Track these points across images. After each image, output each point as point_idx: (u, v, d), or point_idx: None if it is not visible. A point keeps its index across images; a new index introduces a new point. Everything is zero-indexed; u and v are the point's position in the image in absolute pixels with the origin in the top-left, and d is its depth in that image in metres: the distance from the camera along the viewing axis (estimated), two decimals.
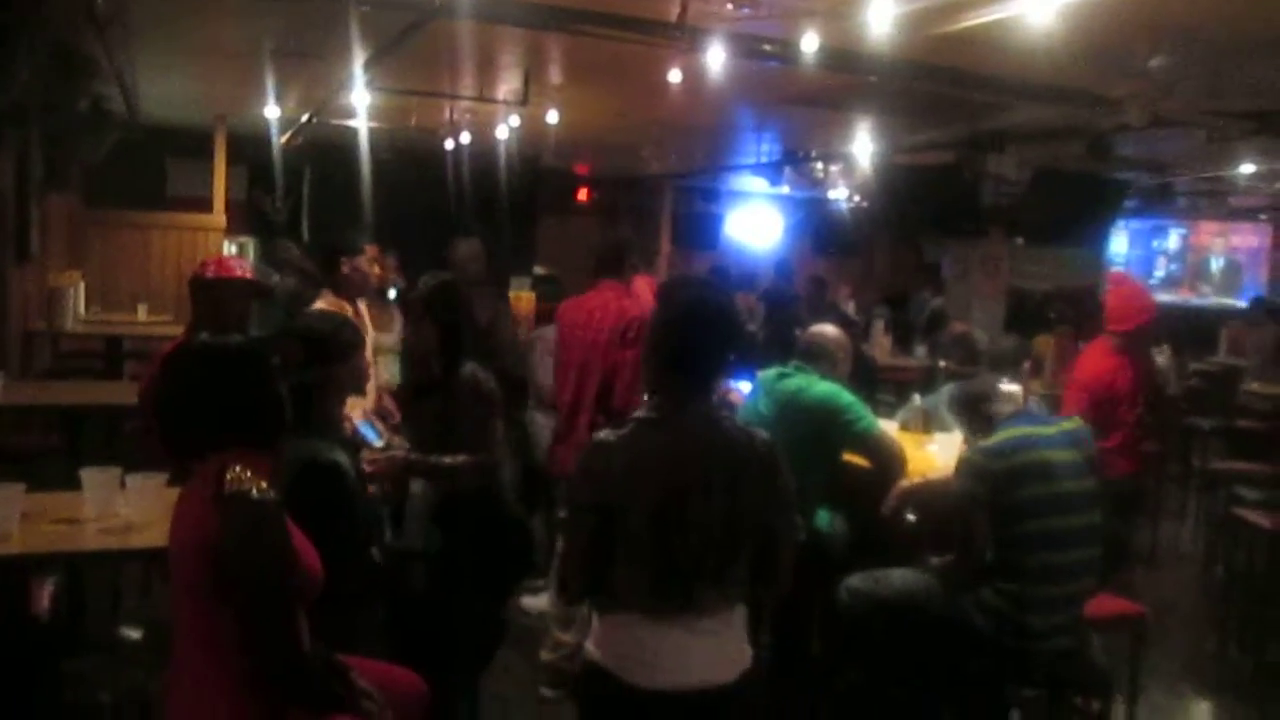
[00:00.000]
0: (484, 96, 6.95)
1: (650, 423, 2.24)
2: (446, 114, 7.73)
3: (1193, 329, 10.83)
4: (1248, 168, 8.29)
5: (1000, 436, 3.25)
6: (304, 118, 8.11)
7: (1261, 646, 4.94)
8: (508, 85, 6.69)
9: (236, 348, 2.28)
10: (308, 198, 11.16)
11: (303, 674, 2.12)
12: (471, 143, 8.39)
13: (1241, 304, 12.46)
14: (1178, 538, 7.09)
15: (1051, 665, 3.24)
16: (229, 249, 9.54)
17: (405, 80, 6.51)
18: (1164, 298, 12.91)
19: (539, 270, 11.31)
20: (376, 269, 5.41)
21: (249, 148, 9.88)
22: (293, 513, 2.68)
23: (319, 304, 4.41)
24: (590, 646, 2.30)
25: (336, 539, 2.73)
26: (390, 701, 2.33)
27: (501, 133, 7.76)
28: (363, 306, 4.70)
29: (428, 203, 10.41)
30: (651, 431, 2.23)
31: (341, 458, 2.86)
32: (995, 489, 3.17)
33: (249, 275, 3.98)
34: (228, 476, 2.05)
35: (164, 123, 9.35)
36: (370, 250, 5.24)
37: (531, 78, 6.40)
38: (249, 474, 2.07)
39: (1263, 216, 12.77)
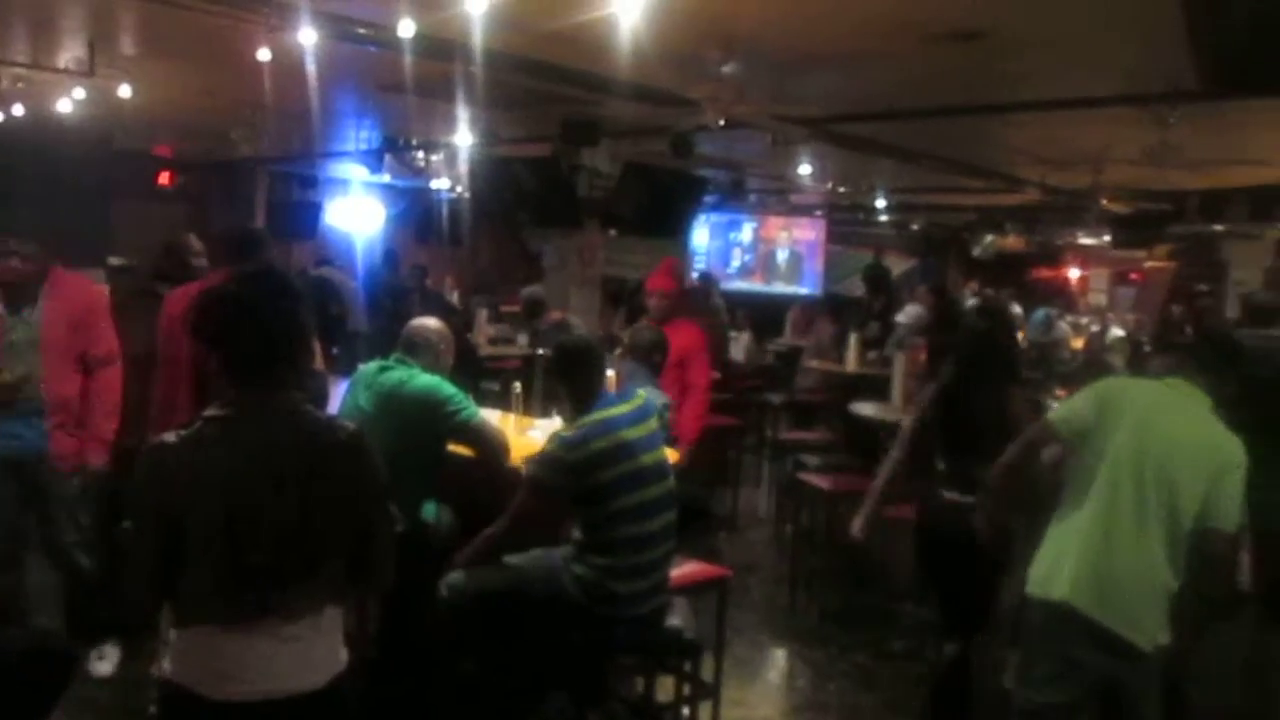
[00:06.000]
0: (40, 64, 6.19)
1: (216, 421, 2.07)
2: None
3: (765, 314, 12.01)
4: (805, 168, 9.31)
5: (579, 425, 3.41)
6: None
7: (825, 595, 5.59)
8: (70, 53, 6.00)
9: None
10: None
11: None
12: (28, 116, 7.42)
13: (804, 290, 14.04)
14: (755, 503, 7.84)
15: (639, 632, 3.47)
16: None
17: None
18: (740, 285, 14.25)
19: (114, 260, 10.26)
20: None
21: None
22: None
23: None
24: (166, 664, 2.12)
25: None
26: None
27: (64, 106, 6.94)
28: None
29: None
30: (217, 430, 2.06)
31: None
32: (576, 476, 3.33)
33: None
34: None
35: None
36: None
37: (97, 46, 5.80)
38: None
39: (818, 213, 14.42)
